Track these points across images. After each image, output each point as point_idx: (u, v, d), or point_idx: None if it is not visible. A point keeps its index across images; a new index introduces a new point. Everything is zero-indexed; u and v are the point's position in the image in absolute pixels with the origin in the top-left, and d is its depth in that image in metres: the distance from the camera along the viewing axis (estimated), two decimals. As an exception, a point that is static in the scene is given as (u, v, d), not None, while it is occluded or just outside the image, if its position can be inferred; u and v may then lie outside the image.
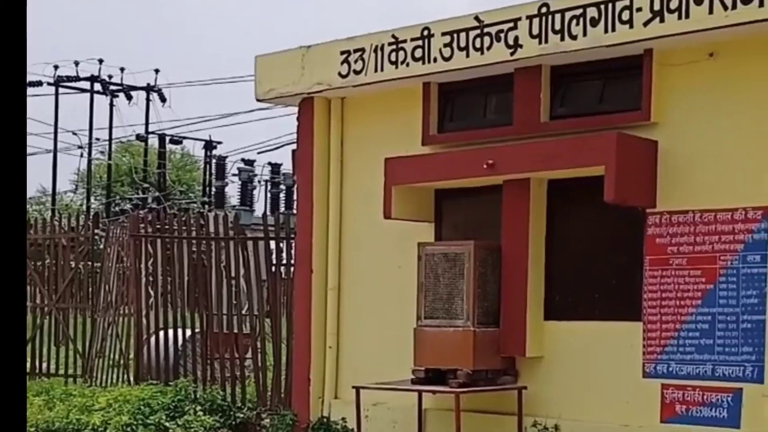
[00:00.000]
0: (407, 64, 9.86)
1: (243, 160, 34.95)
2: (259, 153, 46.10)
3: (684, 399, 8.58)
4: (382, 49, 10.03)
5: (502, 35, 9.22)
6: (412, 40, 9.81)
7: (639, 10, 8.43)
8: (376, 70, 10.09)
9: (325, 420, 10.66)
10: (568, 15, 8.83)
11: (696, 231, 8.58)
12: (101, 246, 14.74)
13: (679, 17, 8.24)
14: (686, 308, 8.62)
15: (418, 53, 9.78)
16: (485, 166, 9.25)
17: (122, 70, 39.85)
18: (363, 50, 10.16)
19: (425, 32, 9.73)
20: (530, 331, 9.32)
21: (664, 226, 8.73)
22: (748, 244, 8.30)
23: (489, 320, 9.38)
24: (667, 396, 8.65)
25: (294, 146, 11.33)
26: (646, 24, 8.42)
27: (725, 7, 8.03)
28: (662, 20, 8.33)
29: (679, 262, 8.66)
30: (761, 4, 7.87)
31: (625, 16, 8.51)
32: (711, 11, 8.08)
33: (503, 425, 9.35)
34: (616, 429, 8.81)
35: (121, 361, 13.57)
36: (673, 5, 8.27)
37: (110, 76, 39.77)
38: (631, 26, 8.49)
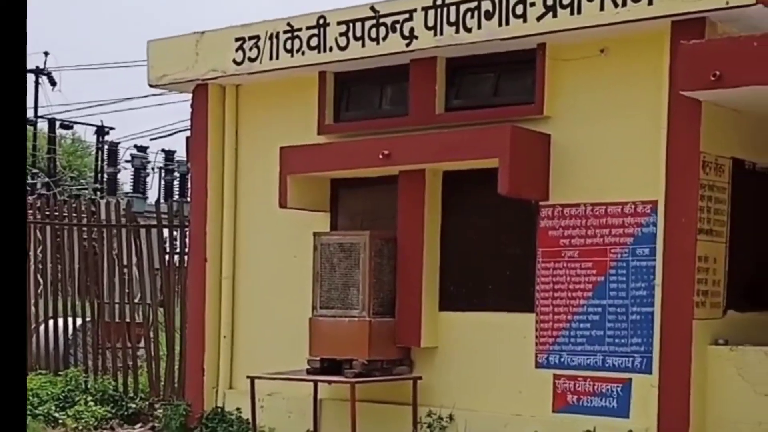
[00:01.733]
0: (303, 53, 9.77)
1: (136, 146, 34.33)
2: (152, 139, 45.44)
3: (575, 389, 8.69)
4: (277, 36, 9.92)
5: (398, 26, 9.18)
6: (308, 28, 9.72)
7: (532, 4, 8.49)
8: (271, 58, 9.98)
9: (219, 410, 10.57)
10: (463, 8, 8.83)
11: (587, 224, 8.68)
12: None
13: (572, 13, 8.31)
14: (578, 300, 8.73)
15: (314, 42, 9.70)
16: (381, 157, 9.24)
17: (9, 52, 38.65)
18: (258, 38, 10.04)
19: (321, 21, 9.64)
20: (425, 321, 9.35)
21: (557, 219, 8.82)
22: (638, 237, 8.43)
23: (384, 310, 9.39)
24: (559, 386, 8.75)
25: (188, 133, 11.16)
26: (539, 18, 8.48)
27: (616, 4, 8.13)
28: (555, 15, 8.40)
29: (571, 254, 8.76)
30: (650, 2, 7.98)
31: (519, 10, 8.56)
32: (602, 8, 8.17)
33: (398, 415, 9.38)
34: (509, 418, 8.90)
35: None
36: (566, 1, 8.34)
37: (-5, 58, 38.52)
38: (525, 20, 8.54)
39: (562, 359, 8.78)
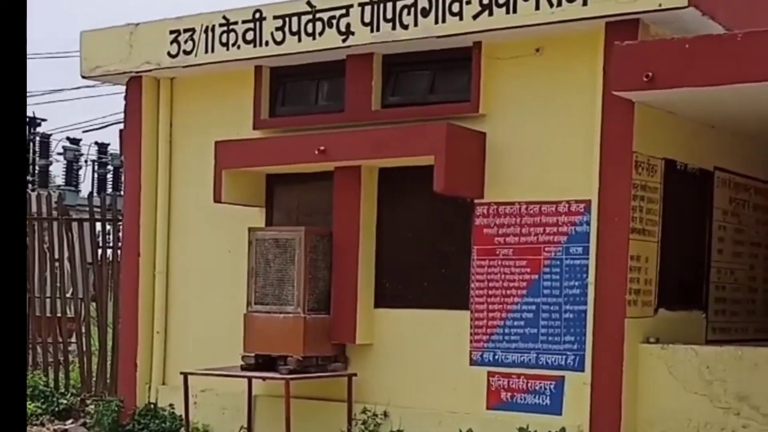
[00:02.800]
0: (238, 47, 9.69)
1: (68, 138, 33.87)
2: (85, 132, 44.72)
3: (509, 386, 8.73)
4: (212, 30, 9.82)
5: (335, 21, 9.15)
6: (244, 22, 9.64)
7: (468, 2, 8.49)
8: (206, 52, 9.89)
9: (152, 406, 10.47)
10: (399, 4, 8.82)
11: (522, 222, 8.71)
12: None
13: (507, 12, 8.33)
14: (512, 298, 8.76)
15: (250, 36, 9.61)
16: (316, 153, 9.18)
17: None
18: (193, 30, 9.93)
19: (257, 15, 9.57)
20: (360, 318, 9.33)
21: (492, 217, 8.83)
22: (571, 236, 8.47)
23: (320, 307, 9.35)
24: (493, 383, 8.78)
25: (122, 126, 11.01)
26: (475, 17, 8.49)
27: (551, 4, 8.16)
28: (491, 14, 8.41)
29: (506, 252, 8.79)
30: (585, 3, 8.03)
31: (456, 8, 8.55)
32: (537, 7, 8.21)
33: (333, 412, 9.36)
34: (444, 415, 8.91)
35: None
36: (502, 0, 8.36)
37: None
38: (461, 18, 8.54)
39: (496, 357, 8.81)
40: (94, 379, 11.67)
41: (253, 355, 9.38)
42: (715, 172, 9.14)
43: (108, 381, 11.46)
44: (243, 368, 9.42)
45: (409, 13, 8.77)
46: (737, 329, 9.56)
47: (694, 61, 7.50)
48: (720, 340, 9.09)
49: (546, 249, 8.61)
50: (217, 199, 9.75)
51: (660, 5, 7.76)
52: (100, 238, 11.83)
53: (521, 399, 8.66)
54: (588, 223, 8.36)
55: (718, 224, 9.25)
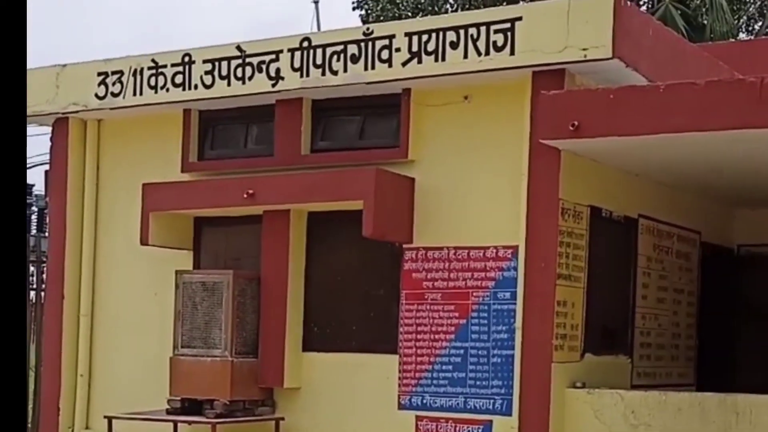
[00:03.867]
0: (167, 90, 9.63)
1: (-7, 178, 33.19)
2: (10, 172, 43.72)
3: (437, 430, 8.71)
4: (141, 72, 9.76)
5: (264, 66, 9.14)
6: (173, 65, 9.60)
7: (398, 50, 8.55)
8: (134, 94, 9.81)
9: (75, 451, 10.30)
10: (329, 50, 8.85)
11: (450, 267, 8.73)
12: None
13: (436, 59, 8.40)
14: (440, 342, 8.77)
15: (179, 79, 9.57)
16: (245, 196, 9.16)
17: None
18: (121, 73, 9.86)
19: (186, 58, 9.54)
20: (288, 361, 9.27)
21: (420, 262, 8.86)
22: (499, 281, 8.52)
23: (247, 350, 9.29)
24: (421, 427, 8.76)
25: (47, 167, 10.89)
26: (404, 64, 8.54)
27: (479, 53, 8.24)
28: (420, 61, 8.47)
29: (434, 296, 8.80)
30: (512, 53, 8.13)
31: (385, 55, 8.61)
32: (466, 56, 8.28)
33: (260, 456, 9.30)
34: (372, 460, 8.90)
35: None
36: (431, 47, 8.43)
37: None
38: (390, 65, 8.59)
39: (424, 401, 8.81)
40: (16, 423, 11.44)
41: (179, 398, 9.28)
42: (639, 220, 9.27)
43: (30, 425, 11.25)
44: (168, 412, 9.31)
45: (338, 59, 8.81)
46: (661, 374, 9.68)
47: (619, 111, 7.63)
48: (645, 384, 9.20)
49: (474, 294, 8.64)
50: (144, 242, 9.67)
51: (585, 56, 7.88)
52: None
53: (450, 443, 8.67)
54: (515, 269, 8.41)
55: (642, 270, 9.37)
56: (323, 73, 8.89)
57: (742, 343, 10.76)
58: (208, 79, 9.44)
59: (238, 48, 9.30)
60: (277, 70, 9.09)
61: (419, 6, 24.96)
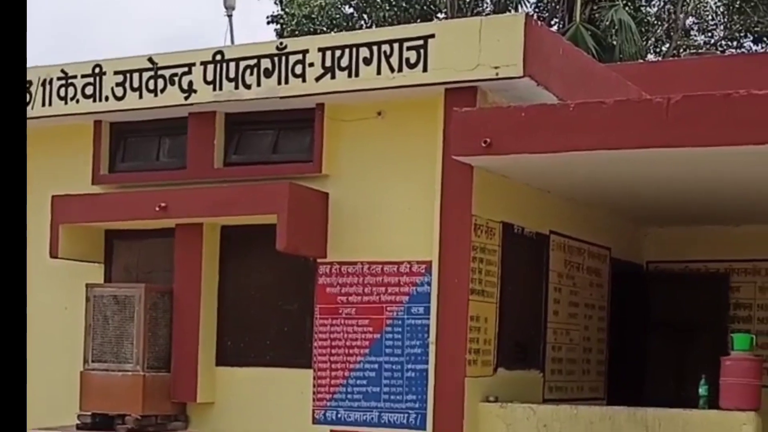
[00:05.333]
0: (77, 101, 9.53)
1: None
2: None
3: (351, 445, 8.73)
4: (50, 83, 9.64)
5: (177, 79, 9.10)
6: (83, 76, 9.49)
7: (311, 65, 8.57)
8: (44, 105, 9.70)
9: (-17, 469, 10.06)
10: (242, 64, 8.84)
11: (364, 282, 8.75)
12: None
13: (349, 75, 8.44)
14: (355, 356, 8.77)
15: (89, 90, 9.47)
16: (157, 209, 9.08)
17: None
18: (30, 83, 9.70)
19: (96, 69, 9.44)
20: (201, 376, 9.21)
21: (334, 276, 8.85)
22: (413, 296, 8.55)
23: (160, 364, 9.21)
24: (336, 442, 8.78)
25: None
26: (317, 79, 8.57)
27: (392, 69, 8.30)
28: (333, 77, 8.51)
29: (348, 311, 8.81)
30: (425, 70, 8.19)
31: (298, 69, 8.62)
32: (379, 72, 8.33)
33: (173, 472, 9.20)
34: (283, 474, 8.86)
35: None
36: (344, 63, 8.46)
37: None
38: (304, 80, 8.61)
39: (339, 415, 8.80)
40: None
41: (89, 414, 9.17)
42: (550, 236, 9.39)
43: (-64, 442, 10.98)
44: (79, 428, 9.19)
45: (251, 73, 8.79)
46: (573, 388, 9.80)
47: (530, 129, 7.72)
48: (557, 398, 9.31)
49: (388, 308, 8.66)
50: (54, 255, 9.53)
51: (497, 74, 7.97)
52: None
53: (364, 458, 8.67)
54: (429, 284, 8.45)
55: (553, 286, 9.49)
56: (236, 87, 8.87)
57: (651, 357, 10.96)
58: (119, 91, 9.35)
59: (150, 60, 9.24)
60: (190, 83, 9.05)
61: (334, 21, 24.99)
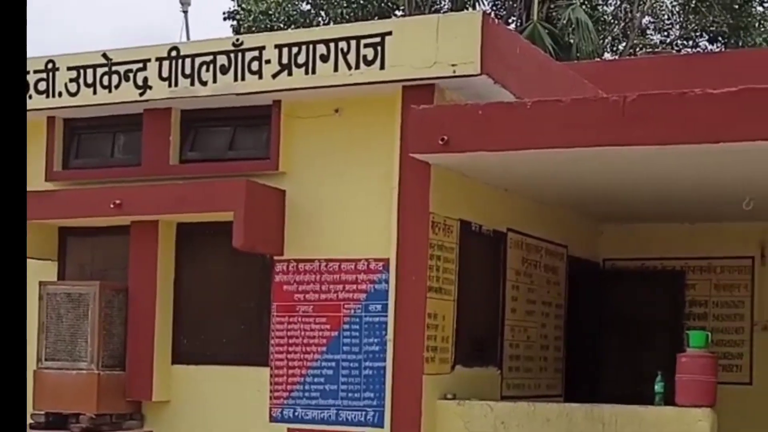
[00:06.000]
0: (30, 97, 9.39)
1: None
2: None
3: (309, 443, 8.70)
4: (3, 78, 9.48)
5: (131, 75, 9.02)
6: (36, 72, 9.38)
7: (268, 62, 8.53)
8: (-4, 100, 9.52)
9: (-67, 470, 9.92)
10: (198, 60, 8.78)
11: (322, 279, 8.72)
12: None
13: (306, 72, 8.41)
14: (312, 354, 8.74)
15: (42, 86, 9.36)
16: (112, 206, 9.00)
17: None
18: (-18, 79, 9.56)
19: (50, 65, 9.33)
20: (157, 374, 9.15)
21: (291, 274, 8.82)
22: (371, 293, 8.53)
23: (114, 363, 9.14)
24: (293, 440, 8.75)
25: None
26: (274, 76, 8.53)
27: (349, 67, 8.28)
28: (290, 74, 8.48)
29: (306, 309, 8.78)
30: (382, 67, 8.18)
31: (255, 66, 8.58)
32: (336, 69, 8.31)
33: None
34: (243, 472, 8.80)
35: None
36: (301, 60, 8.43)
37: None
38: (261, 77, 8.57)
39: (296, 413, 8.76)
40: None
41: (43, 413, 9.09)
42: (508, 234, 9.41)
43: None
44: (32, 427, 9.09)
45: (207, 70, 8.74)
46: (530, 385, 9.84)
47: (487, 127, 7.72)
48: (514, 396, 9.32)
49: (346, 306, 8.64)
50: (6, 253, 9.39)
51: (454, 72, 7.97)
52: None
53: (323, 455, 8.64)
54: (387, 281, 8.44)
55: (511, 284, 9.51)
56: (192, 83, 8.82)
57: (607, 354, 11.03)
58: (73, 87, 9.25)
59: (104, 56, 9.15)
60: (145, 79, 8.98)
61: (291, 18, 24.90)
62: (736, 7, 24.73)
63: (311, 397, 8.72)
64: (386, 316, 8.42)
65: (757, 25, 25.13)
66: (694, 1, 25.30)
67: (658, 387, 8.22)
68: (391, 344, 8.35)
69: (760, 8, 25.51)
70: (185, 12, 24.18)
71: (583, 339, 10.67)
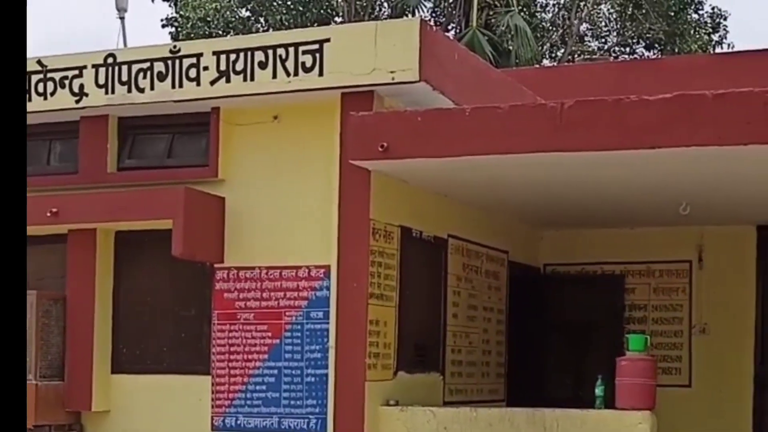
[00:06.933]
0: (-37, 105, 9.24)
1: None
2: None
3: (255, 451, 8.66)
4: (-66, 86, 9.33)
5: (67, 82, 8.93)
6: (-31, 79, 9.21)
7: (206, 68, 8.50)
8: (-72, 108, 9.37)
9: None
10: (135, 67, 8.73)
11: (263, 287, 8.69)
12: None
13: (245, 79, 8.38)
14: (254, 362, 8.70)
15: (-24, 93, 9.20)
16: (48, 215, 8.91)
17: None
18: None
19: (-17, 72, 9.17)
20: (96, 384, 9.07)
21: (232, 282, 8.77)
22: (312, 301, 8.51)
23: (53, 373, 9.05)
24: (235, 448, 8.70)
25: None
26: (212, 83, 8.51)
27: (288, 74, 8.27)
28: (228, 80, 8.45)
29: (247, 316, 8.74)
30: (321, 74, 8.18)
31: (193, 73, 8.54)
32: (275, 76, 8.30)
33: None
34: (186, 482, 8.75)
35: None
36: (239, 67, 8.41)
37: None
38: (198, 84, 8.54)
39: (238, 421, 8.72)
40: None
41: (-21, 426, 8.93)
42: (449, 240, 9.44)
43: None
44: (-32, 441, 8.95)
45: (144, 77, 8.69)
46: (473, 391, 9.87)
47: (426, 133, 7.75)
48: (457, 401, 9.34)
49: (287, 313, 8.61)
50: (-59, 262, 9.24)
51: (393, 79, 7.99)
52: None
53: (267, 463, 8.61)
54: (328, 288, 8.42)
55: (452, 290, 9.53)
56: (129, 90, 8.76)
57: (549, 358, 11.10)
58: (8, 95, 9.11)
59: (39, 62, 9.05)
60: (81, 86, 8.90)
61: (230, 25, 24.78)
62: (672, 14, 25.09)
63: (253, 405, 8.68)
64: (328, 323, 8.40)
65: (692, 32, 25.51)
66: (631, 9, 25.62)
67: (599, 390, 8.29)
68: (333, 351, 8.34)
69: (695, 15, 25.90)
70: (122, 18, 23.94)
71: (524, 344, 10.73)
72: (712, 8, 26.10)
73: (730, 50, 24.38)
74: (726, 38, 26.21)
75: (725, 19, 26.15)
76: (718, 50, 25.41)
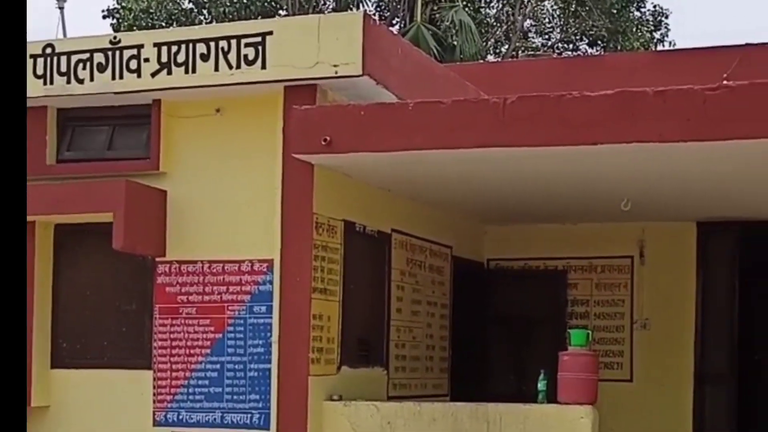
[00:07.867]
0: None
1: None
2: None
3: (194, 446, 8.59)
4: None
5: (5, 72, 8.76)
6: None
7: (147, 60, 8.42)
8: None
9: None
10: (74, 58, 8.62)
11: (205, 281, 8.63)
12: None
13: (186, 71, 8.32)
14: (196, 357, 8.64)
15: None
16: (-14, 208, 8.73)
17: None
18: None
19: None
20: (35, 379, 8.95)
21: (174, 275, 8.71)
22: (255, 295, 8.48)
23: (-9, 369, 8.87)
24: (178, 443, 8.63)
25: None
26: (153, 75, 8.42)
27: (230, 66, 8.22)
28: (170, 72, 8.37)
29: (189, 311, 8.68)
30: (264, 67, 8.13)
31: (133, 65, 8.46)
32: (217, 68, 8.25)
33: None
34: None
35: None
36: (181, 59, 8.34)
37: None
38: (139, 75, 8.46)
39: (180, 416, 8.66)
40: None
41: None
42: (392, 234, 9.44)
43: None
44: None
45: (84, 68, 8.58)
46: (417, 385, 9.89)
47: (369, 128, 7.75)
48: (401, 396, 9.37)
49: (230, 308, 8.56)
50: None
51: (336, 72, 7.97)
52: None
53: (209, 457, 8.54)
54: (271, 282, 8.39)
55: (396, 284, 9.54)
56: (68, 81, 8.64)
57: (493, 353, 11.16)
58: (-57, 85, 8.95)
59: (-23, 52, 8.86)
60: (20, 77, 8.74)
61: (173, 16, 24.55)
62: (615, 12, 25.30)
63: (196, 400, 8.62)
64: (271, 317, 8.37)
65: (634, 29, 25.74)
66: (574, 6, 25.79)
67: (541, 385, 8.33)
68: (276, 346, 8.32)
69: (637, 13, 26.14)
70: (61, 8, 23.63)
71: (468, 338, 10.77)
72: (654, 6, 26.38)
73: (671, 48, 24.64)
74: (667, 36, 26.50)
75: (666, 17, 26.45)
76: (659, 48, 25.66)
